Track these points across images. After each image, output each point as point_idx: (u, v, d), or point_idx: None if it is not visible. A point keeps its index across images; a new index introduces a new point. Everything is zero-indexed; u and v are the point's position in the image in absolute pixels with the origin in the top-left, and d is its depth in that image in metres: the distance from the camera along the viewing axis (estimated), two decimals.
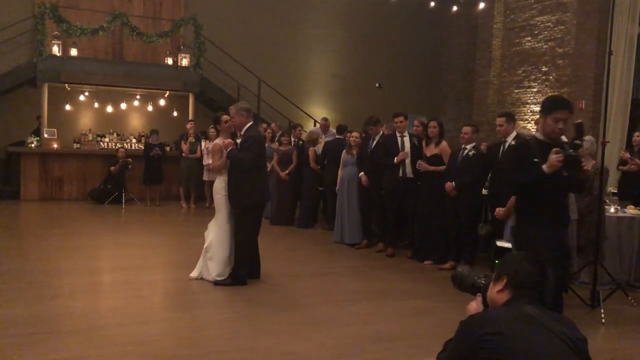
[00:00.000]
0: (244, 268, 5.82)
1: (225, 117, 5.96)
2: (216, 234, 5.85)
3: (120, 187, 11.44)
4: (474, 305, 2.41)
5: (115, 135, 12.80)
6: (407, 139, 7.45)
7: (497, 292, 2.23)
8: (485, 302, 2.37)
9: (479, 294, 2.42)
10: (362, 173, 7.87)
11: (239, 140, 5.87)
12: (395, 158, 7.33)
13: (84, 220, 9.74)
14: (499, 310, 2.16)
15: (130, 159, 11.52)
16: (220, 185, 5.89)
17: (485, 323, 2.07)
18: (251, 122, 5.89)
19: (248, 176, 5.74)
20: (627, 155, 8.23)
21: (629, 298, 5.56)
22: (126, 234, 8.87)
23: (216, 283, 5.75)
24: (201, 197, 11.71)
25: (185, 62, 12.58)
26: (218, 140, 5.96)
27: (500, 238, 6.19)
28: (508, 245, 3.55)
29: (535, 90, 13.39)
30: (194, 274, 5.99)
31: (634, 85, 11.47)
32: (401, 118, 7.46)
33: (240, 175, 5.73)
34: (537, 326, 2.02)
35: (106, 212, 10.66)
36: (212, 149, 6.06)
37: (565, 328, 2.07)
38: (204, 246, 5.91)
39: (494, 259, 2.84)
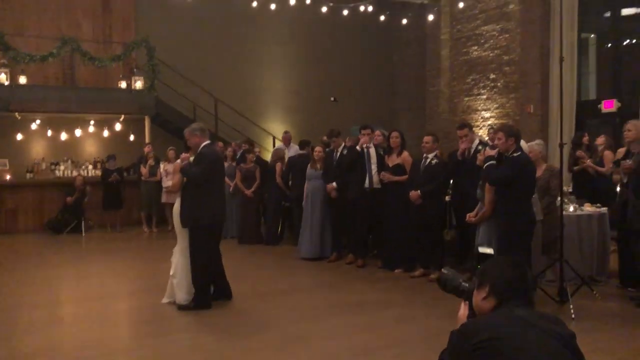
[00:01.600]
0: (204, 291, 5.71)
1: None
2: (179, 258, 5.75)
3: (79, 215, 11.17)
4: (462, 312, 2.43)
5: (70, 162, 12.49)
6: (372, 150, 7.59)
7: (482, 299, 2.25)
8: (472, 307, 2.39)
9: (465, 301, 2.44)
10: (333, 183, 7.88)
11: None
12: (382, 176, 7.33)
13: (42, 252, 9.45)
14: (491, 316, 2.18)
15: (88, 187, 11.29)
16: (177, 207, 5.82)
17: (480, 330, 2.07)
18: (207, 141, 5.85)
19: (199, 194, 5.60)
20: (582, 153, 8.48)
21: (594, 292, 5.80)
22: (88, 262, 8.64)
23: (179, 308, 5.65)
24: (163, 221, 11.55)
25: (139, 85, 12.41)
26: (179, 160, 5.92)
27: (468, 242, 6.39)
28: (490, 251, 3.65)
29: (484, 97, 13.80)
30: (165, 299, 5.90)
31: (578, 87, 11.99)
32: (368, 130, 7.61)
33: (192, 193, 5.62)
34: (530, 328, 2.06)
35: (65, 242, 10.37)
36: (173, 169, 6.09)
37: (555, 326, 2.12)
38: (171, 272, 5.81)
39: (477, 265, 2.92)
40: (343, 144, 8.05)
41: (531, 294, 2.28)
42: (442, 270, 2.60)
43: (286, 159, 9.70)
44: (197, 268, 5.64)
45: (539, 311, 2.23)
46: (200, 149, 5.73)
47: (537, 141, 6.58)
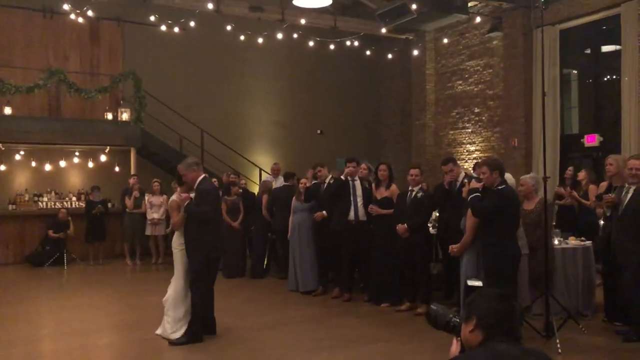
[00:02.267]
0: (198, 324, 5.69)
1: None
2: (174, 290, 5.75)
3: (61, 247, 11.00)
4: (454, 349, 2.39)
5: (53, 194, 12.36)
6: (358, 183, 7.60)
7: (469, 332, 2.24)
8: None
9: (458, 338, 2.40)
10: (323, 212, 7.83)
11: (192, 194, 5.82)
12: (370, 208, 7.33)
13: (22, 285, 9.25)
14: (475, 353, 2.18)
15: (70, 220, 11.17)
16: (178, 241, 5.80)
17: None
18: (203, 175, 5.86)
19: (206, 230, 5.65)
20: (562, 190, 8.68)
21: (580, 326, 5.78)
22: (70, 296, 8.47)
23: (171, 343, 5.58)
24: (147, 253, 11.41)
25: (125, 116, 12.41)
26: (175, 197, 5.89)
27: (455, 275, 6.36)
28: (479, 283, 3.62)
29: (469, 130, 13.97)
30: (159, 330, 5.83)
31: (561, 121, 12.18)
32: (354, 163, 7.64)
33: (199, 229, 5.63)
34: None
35: (47, 275, 10.19)
36: (169, 206, 5.97)
37: None
38: (163, 300, 5.81)
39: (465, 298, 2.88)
40: (330, 176, 8.05)
41: (518, 329, 2.26)
42: (431, 306, 2.54)
43: None
44: (198, 301, 5.64)
45: (524, 347, 2.22)
46: (197, 184, 5.71)
47: (531, 174, 6.64)
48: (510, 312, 2.24)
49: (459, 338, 2.36)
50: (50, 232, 11.02)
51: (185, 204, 5.63)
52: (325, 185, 7.95)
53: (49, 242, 11.11)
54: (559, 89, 11.90)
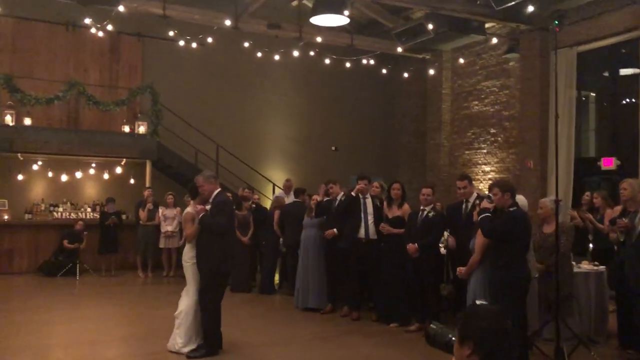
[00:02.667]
0: (215, 337, 5.74)
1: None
2: (185, 303, 5.76)
3: (74, 258, 11.08)
4: None
5: (69, 204, 12.50)
6: (369, 201, 7.58)
7: (466, 357, 2.14)
8: None
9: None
10: (334, 230, 7.77)
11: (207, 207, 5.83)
12: (381, 227, 7.29)
13: (35, 295, 9.34)
14: None
15: (86, 233, 11.28)
16: (189, 254, 5.81)
17: None
18: (219, 189, 5.94)
19: (220, 242, 5.68)
20: (574, 213, 8.55)
21: (592, 353, 5.67)
22: (81, 306, 8.52)
23: (188, 357, 5.57)
24: (159, 266, 11.45)
25: (142, 129, 12.56)
26: (189, 209, 5.91)
27: (463, 296, 6.28)
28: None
29: (485, 151, 13.90)
30: (169, 344, 5.82)
31: (577, 144, 12.08)
32: (365, 181, 7.63)
33: (212, 241, 5.67)
34: None
35: (59, 285, 10.26)
36: (184, 218, 5.99)
37: None
38: (175, 314, 5.83)
39: None
40: (342, 193, 8.05)
41: (514, 349, 2.18)
42: (430, 325, 2.46)
43: None
44: (211, 314, 5.68)
45: None
46: (214, 197, 5.78)
47: (551, 197, 6.54)
48: (507, 332, 2.14)
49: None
50: (65, 243, 11.11)
51: (201, 216, 5.65)
52: (337, 202, 7.95)
53: (63, 253, 11.19)
54: (576, 111, 11.81)
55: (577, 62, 11.52)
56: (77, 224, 11.38)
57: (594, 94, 12.59)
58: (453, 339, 2.36)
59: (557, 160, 6.03)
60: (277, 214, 9.65)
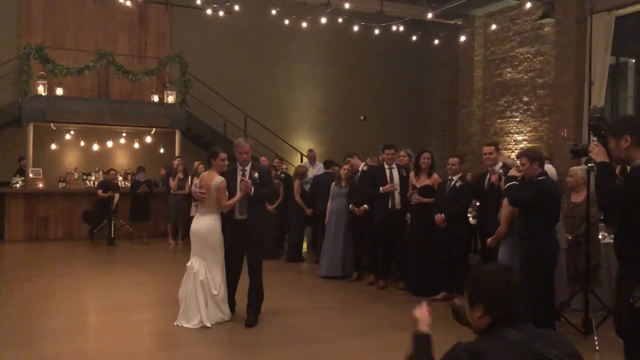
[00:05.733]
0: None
1: (223, 155, 5.71)
2: (217, 275, 5.64)
3: (109, 211, 11.06)
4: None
5: (101, 173, 12.73)
6: (395, 171, 7.51)
7: (478, 318, 2.21)
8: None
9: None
10: (365, 206, 7.71)
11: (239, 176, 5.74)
12: (382, 188, 7.36)
13: (70, 261, 9.60)
14: (488, 343, 2.14)
15: (119, 179, 11.50)
16: (214, 224, 5.64)
17: (475, 356, 2.06)
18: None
19: (264, 210, 5.99)
20: None
21: None
22: (113, 273, 8.75)
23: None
24: (189, 234, 11.60)
25: (171, 99, 12.64)
26: (217, 176, 5.61)
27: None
28: None
29: (517, 120, 13.61)
30: (195, 321, 5.58)
31: (612, 113, 11.72)
32: (392, 150, 7.55)
33: (262, 207, 5.96)
34: (526, 352, 2.03)
35: (92, 252, 10.52)
36: (219, 187, 5.55)
37: (553, 347, 2.06)
38: (215, 292, 5.58)
39: None
40: (363, 164, 8.00)
41: (519, 305, 2.20)
42: (454, 300, 2.51)
43: (308, 177, 9.68)
44: (261, 280, 5.82)
45: (528, 328, 2.16)
46: (251, 164, 5.80)
47: (582, 166, 6.38)
48: (512, 286, 2.18)
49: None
50: (100, 192, 11.05)
51: (253, 189, 5.59)
52: (360, 173, 7.90)
53: (101, 205, 11.17)
54: (614, 78, 11.42)
55: (615, 26, 11.10)
56: (110, 174, 11.46)
57: (633, 60, 12.13)
58: None
59: (590, 129, 5.81)
60: (297, 184, 9.65)
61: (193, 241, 5.76)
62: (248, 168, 5.73)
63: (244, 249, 5.77)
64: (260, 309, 5.80)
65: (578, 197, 5.96)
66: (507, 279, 2.21)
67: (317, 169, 10.21)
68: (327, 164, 9.69)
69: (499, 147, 7.18)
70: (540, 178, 4.96)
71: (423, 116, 16.56)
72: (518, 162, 5.31)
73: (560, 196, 5.28)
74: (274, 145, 13.62)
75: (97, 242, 11.09)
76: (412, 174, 7.43)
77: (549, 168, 5.23)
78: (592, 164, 3.70)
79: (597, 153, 3.43)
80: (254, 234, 5.69)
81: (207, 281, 5.57)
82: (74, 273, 8.45)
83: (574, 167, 6.33)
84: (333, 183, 8.45)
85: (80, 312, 6.36)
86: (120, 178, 12.77)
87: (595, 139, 3.68)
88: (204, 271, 5.58)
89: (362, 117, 15.51)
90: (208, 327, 5.51)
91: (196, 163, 11.52)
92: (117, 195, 11.09)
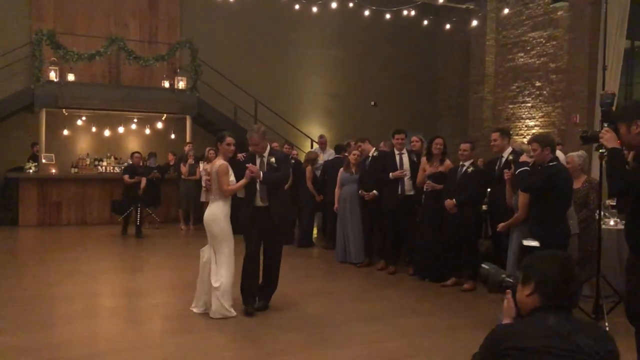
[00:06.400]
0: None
1: (229, 140, 5.51)
2: (229, 272, 5.47)
3: (136, 198, 10.40)
4: (506, 304, 2.34)
5: (112, 159, 12.81)
6: (405, 156, 7.49)
7: (526, 296, 2.17)
8: (515, 299, 2.32)
9: (507, 290, 2.36)
10: (374, 191, 7.75)
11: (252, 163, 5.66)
12: (391, 174, 7.36)
13: (82, 245, 9.69)
14: (525, 324, 2.14)
15: (146, 162, 11.16)
16: (217, 213, 5.43)
17: (512, 336, 2.06)
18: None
19: (285, 195, 5.99)
20: None
21: None
22: (126, 257, 8.85)
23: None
24: (200, 219, 11.60)
25: (181, 85, 12.66)
26: (219, 161, 5.46)
27: (502, 252, 6.22)
28: (535, 243, 3.43)
29: (529, 105, 13.50)
30: (198, 308, 5.58)
31: (626, 98, 11.59)
32: (402, 135, 7.52)
33: (284, 193, 5.97)
34: (562, 341, 2.01)
35: (105, 236, 10.62)
36: (220, 170, 5.36)
37: (593, 341, 2.04)
38: (215, 284, 5.37)
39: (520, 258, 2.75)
40: (374, 149, 7.98)
41: (575, 297, 2.17)
42: (483, 265, 2.49)
43: (319, 163, 9.68)
44: (278, 266, 5.84)
45: (576, 320, 2.12)
46: (269, 151, 5.72)
47: (579, 152, 6.36)
48: (571, 280, 2.14)
49: (510, 296, 2.31)
50: (126, 178, 10.49)
51: (263, 174, 5.51)
52: (370, 159, 7.89)
53: (126, 191, 10.56)
54: (628, 62, 11.27)
55: (630, 9, 10.93)
56: (134, 157, 10.80)
57: None
58: (506, 279, 2.37)
59: (603, 114, 5.76)
60: (309, 170, 9.66)
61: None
62: (266, 154, 5.67)
63: (264, 236, 5.63)
64: (272, 294, 5.81)
65: (577, 183, 5.94)
66: (569, 267, 2.16)
67: (328, 155, 10.21)
68: (338, 149, 9.68)
69: (509, 133, 7.10)
70: (551, 164, 4.93)
71: (434, 102, 16.46)
72: (529, 147, 5.28)
73: (572, 182, 5.26)
74: (284, 131, 13.62)
75: (129, 235, 10.48)
76: (423, 160, 7.40)
77: (560, 154, 5.19)
78: (603, 150, 3.66)
79: (608, 139, 3.40)
80: (277, 220, 5.63)
81: (209, 269, 5.45)
82: (87, 257, 8.55)
83: (570, 154, 6.30)
84: (342, 169, 8.44)
85: (94, 296, 6.44)
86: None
87: (606, 125, 3.66)
88: (209, 259, 5.48)
89: (372, 103, 15.43)
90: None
91: (207, 149, 11.59)
92: (143, 180, 10.52)
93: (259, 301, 5.68)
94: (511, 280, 2.36)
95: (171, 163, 12.01)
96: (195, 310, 5.57)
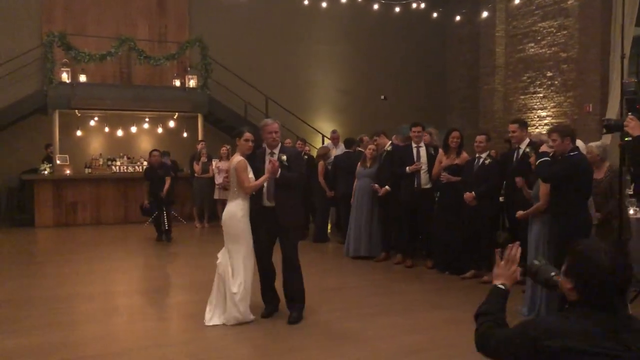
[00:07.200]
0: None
1: (248, 135, 5.25)
2: (248, 268, 5.21)
3: (160, 201, 9.69)
4: (495, 270, 2.40)
5: (125, 158, 12.87)
6: (423, 149, 7.48)
7: (568, 289, 2.08)
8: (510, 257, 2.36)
9: (496, 250, 2.41)
10: (387, 187, 7.73)
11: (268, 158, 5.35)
12: (408, 168, 7.35)
13: (98, 245, 9.76)
14: (570, 321, 2.02)
15: (166, 160, 10.47)
16: (234, 211, 5.18)
17: (554, 334, 1.96)
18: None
19: (299, 194, 5.45)
20: None
21: None
22: (141, 255, 8.90)
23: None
24: (215, 216, 11.74)
25: (192, 83, 12.69)
26: (237, 157, 5.24)
27: (521, 244, 6.18)
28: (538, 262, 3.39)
29: (541, 95, 13.42)
30: (232, 319, 5.16)
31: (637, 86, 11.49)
32: (419, 128, 7.51)
33: (293, 193, 5.35)
34: (609, 342, 1.92)
35: (120, 236, 10.69)
36: (238, 167, 5.12)
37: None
38: (234, 290, 5.10)
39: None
40: (389, 143, 7.97)
41: (620, 297, 2.04)
42: (534, 260, 2.45)
43: (331, 158, 9.69)
44: (296, 271, 5.37)
45: (629, 319, 2.02)
46: (280, 147, 5.34)
47: (598, 143, 6.32)
48: (615, 279, 1.99)
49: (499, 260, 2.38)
50: (145, 187, 9.97)
51: (280, 173, 5.16)
52: (385, 153, 7.89)
53: (150, 194, 9.85)
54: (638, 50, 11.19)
55: None
56: (153, 156, 9.93)
57: None
58: (554, 276, 2.31)
59: (622, 102, 5.72)
60: (321, 165, 9.66)
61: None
62: (277, 151, 5.26)
63: (273, 237, 5.31)
64: (304, 304, 5.37)
65: (599, 174, 5.89)
66: (610, 266, 2.00)
67: (340, 150, 10.21)
68: (348, 143, 9.67)
69: (527, 124, 7.05)
70: (572, 154, 4.90)
71: (444, 94, 16.40)
72: (548, 138, 5.25)
73: (592, 171, 5.23)
74: (295, 127, 13.61)
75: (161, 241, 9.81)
76: (441, 152, 7.38)
77: (579, 143, 5.16)
78: (629, 138, 3.65)
79: (634, 127, 3.39)
80: (284, 222, 5.21)
81: (225, 276, 5.15)
82: (104, 257, 8.59)
83: (589, 144, 6.26)
84: (359, 163, 8.43)
85: (112, 295, 6.47)
86: (144, 162, 12.84)
87: (630, 113, 3.64)
88: (225, 264, 5.19)
89: (382, 97, 15.41)
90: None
91: (222, 147, 11.59)
92: (167, 180, 9.79)
93: (291, 313, 5.30)
94: (559, 280, 2.24)
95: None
96: (209, 324, 5.13)
